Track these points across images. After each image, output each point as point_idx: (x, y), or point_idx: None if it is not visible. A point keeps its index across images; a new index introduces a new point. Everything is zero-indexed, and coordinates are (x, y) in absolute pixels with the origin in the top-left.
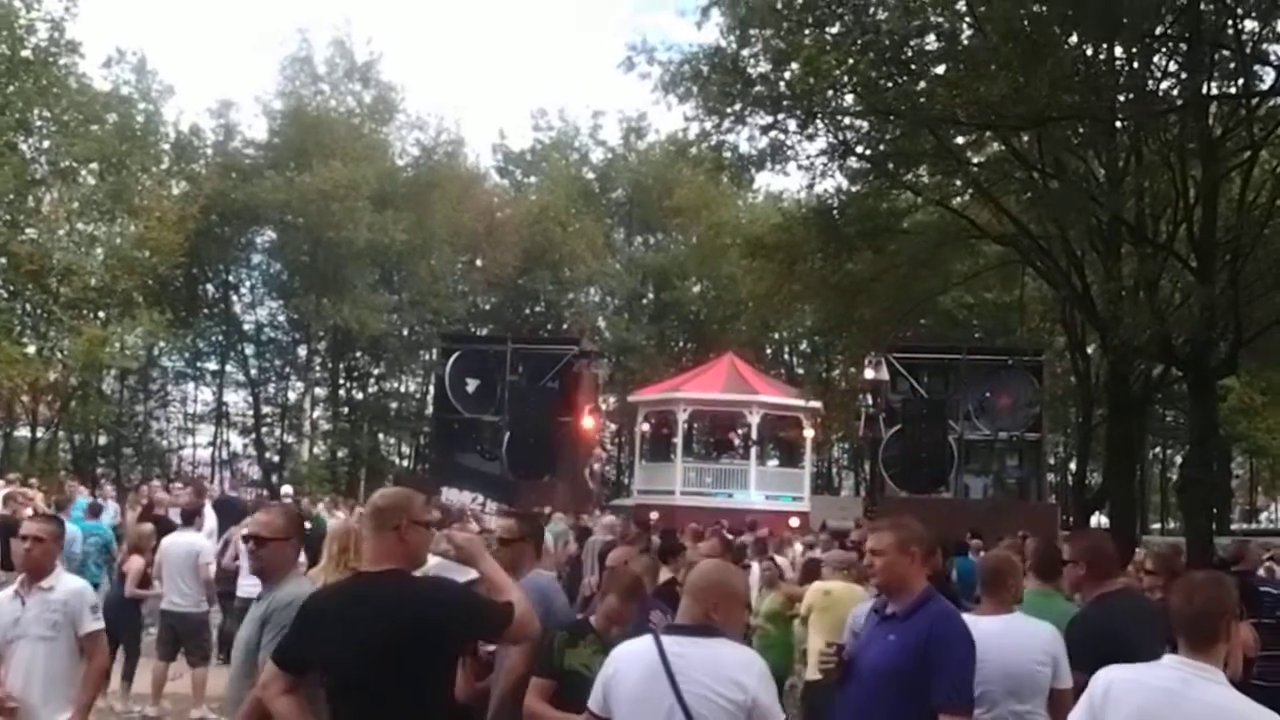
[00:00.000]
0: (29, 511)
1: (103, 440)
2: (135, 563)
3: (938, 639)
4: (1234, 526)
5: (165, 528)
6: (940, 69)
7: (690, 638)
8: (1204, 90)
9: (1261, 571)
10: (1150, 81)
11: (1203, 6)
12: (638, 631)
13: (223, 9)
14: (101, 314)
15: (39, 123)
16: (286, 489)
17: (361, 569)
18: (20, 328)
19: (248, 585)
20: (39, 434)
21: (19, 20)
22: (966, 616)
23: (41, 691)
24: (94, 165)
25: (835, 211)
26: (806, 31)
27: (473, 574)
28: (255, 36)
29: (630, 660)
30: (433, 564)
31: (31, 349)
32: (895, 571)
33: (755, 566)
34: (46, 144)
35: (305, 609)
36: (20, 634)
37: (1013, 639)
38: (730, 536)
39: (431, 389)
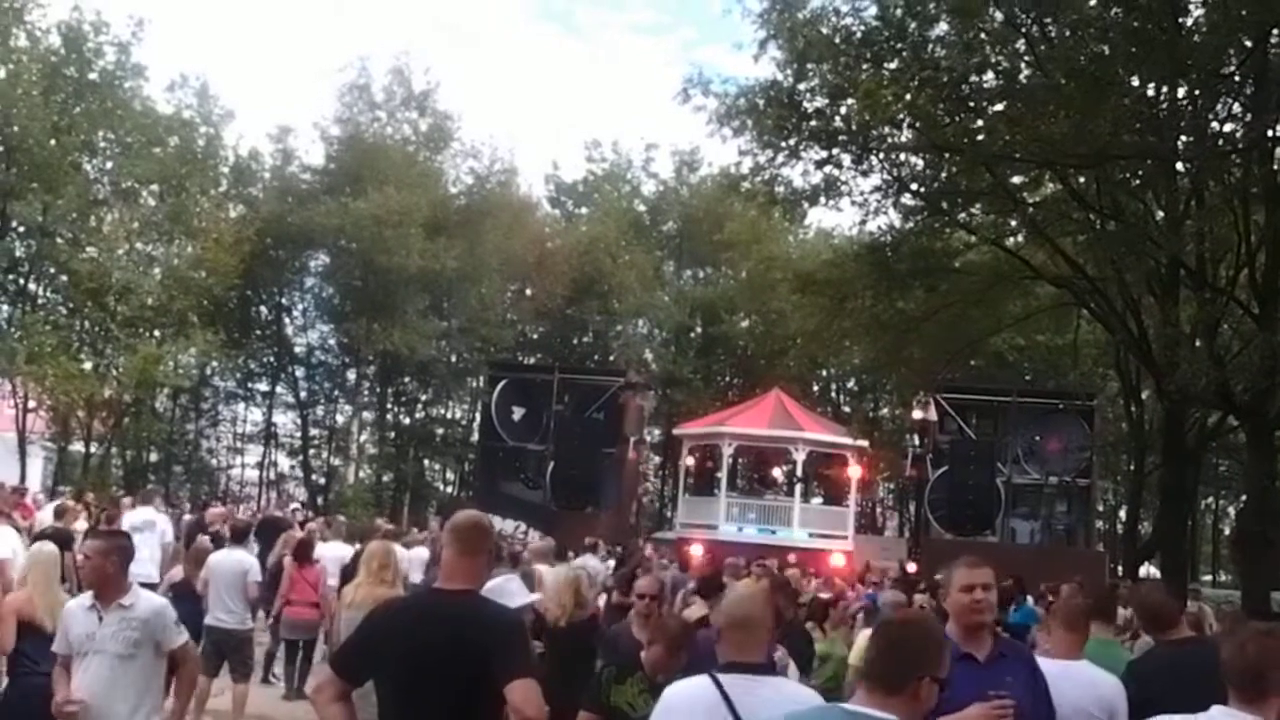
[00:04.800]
0: (79, 524)
1: (154, 457)
2: (175, 572)
3: (1041, 682)
4: None
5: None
6: (999, 106)
7: (748, 676)
8: (1269, 133)
9: None
10: (1214, 123)
11: (1271, 49)
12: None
13: (285, 37)
14: (157, 333)
15: (103, 144)
16: (295, 505)
17: (441, 585)
18: (78, 344)
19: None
20: (93, 449)
21: (88, 43)
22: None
23: (124, 707)
24: (154, 187)
25: (887, 249)
26: (864, 66)
27: (529, 598)
28: (315, 64)
29: (689, 703)
30: (491, 585)
31: (88, 365)
32: (994, 609)
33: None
34: (109, 165)
35: (372, 619)
36: (96, 649)
37: (1073, 683)
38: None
39: (478, 416)
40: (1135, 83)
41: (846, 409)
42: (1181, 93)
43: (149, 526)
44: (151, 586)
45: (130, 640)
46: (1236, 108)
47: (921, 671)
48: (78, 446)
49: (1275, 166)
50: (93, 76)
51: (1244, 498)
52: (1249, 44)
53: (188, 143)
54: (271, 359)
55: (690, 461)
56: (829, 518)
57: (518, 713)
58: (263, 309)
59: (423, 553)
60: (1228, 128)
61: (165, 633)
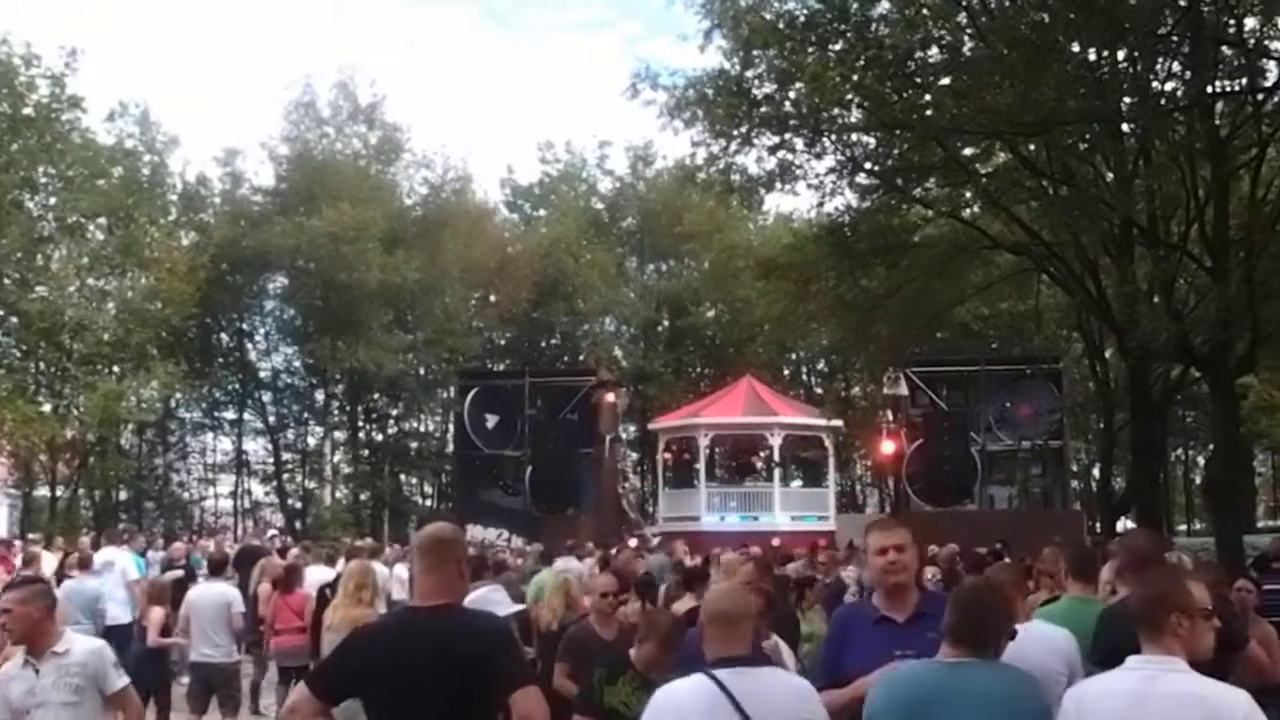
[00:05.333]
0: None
1: (123, 495)
2: (156, 614)
3: None
4: (1260, 524)
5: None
6: (945, 80)
7: (741, 669)
8: (1209, 89)
9: None
10: (1155, 83)
11: (1204, 6)
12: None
13: (224, 58)
14: (116, 368)
15: (44, 179)
16: (273, 531)
17: (415, 604)
18: (35, 386)
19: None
20: (59, 492)
21: (19, 77)
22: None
23: None
24: (101, 220)
25: (846, 229)
26: (810, 50)
27: (515, 608)
28: (258, 84)
29: (691, 701)
30: (474, 596)
31: (47, 407)
32: (914, 569)
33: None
34: (53, 200)
35: (351, 639)
36: (39, 702)
37: (1037, 644)
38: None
39: (451, 427)
40: (1076, 48)
41: (819, 390)
42: (1122, 55)
43: (108, 568)
44: (125, 628)
45: (72, 687)
46: (1176, 67)
47: (1000, 628)
48: (43, 491)
49: (1217, 122)
50: (27, 111)
51: (1211, 447)
52: (1184, 3)
53: (132, 172)
54: (237, 386)
55: (667, 455)
56: (810, 499)
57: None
58: (223, 336)
59: (403, 570)
60: (1169, 87)
61: (105, 677)
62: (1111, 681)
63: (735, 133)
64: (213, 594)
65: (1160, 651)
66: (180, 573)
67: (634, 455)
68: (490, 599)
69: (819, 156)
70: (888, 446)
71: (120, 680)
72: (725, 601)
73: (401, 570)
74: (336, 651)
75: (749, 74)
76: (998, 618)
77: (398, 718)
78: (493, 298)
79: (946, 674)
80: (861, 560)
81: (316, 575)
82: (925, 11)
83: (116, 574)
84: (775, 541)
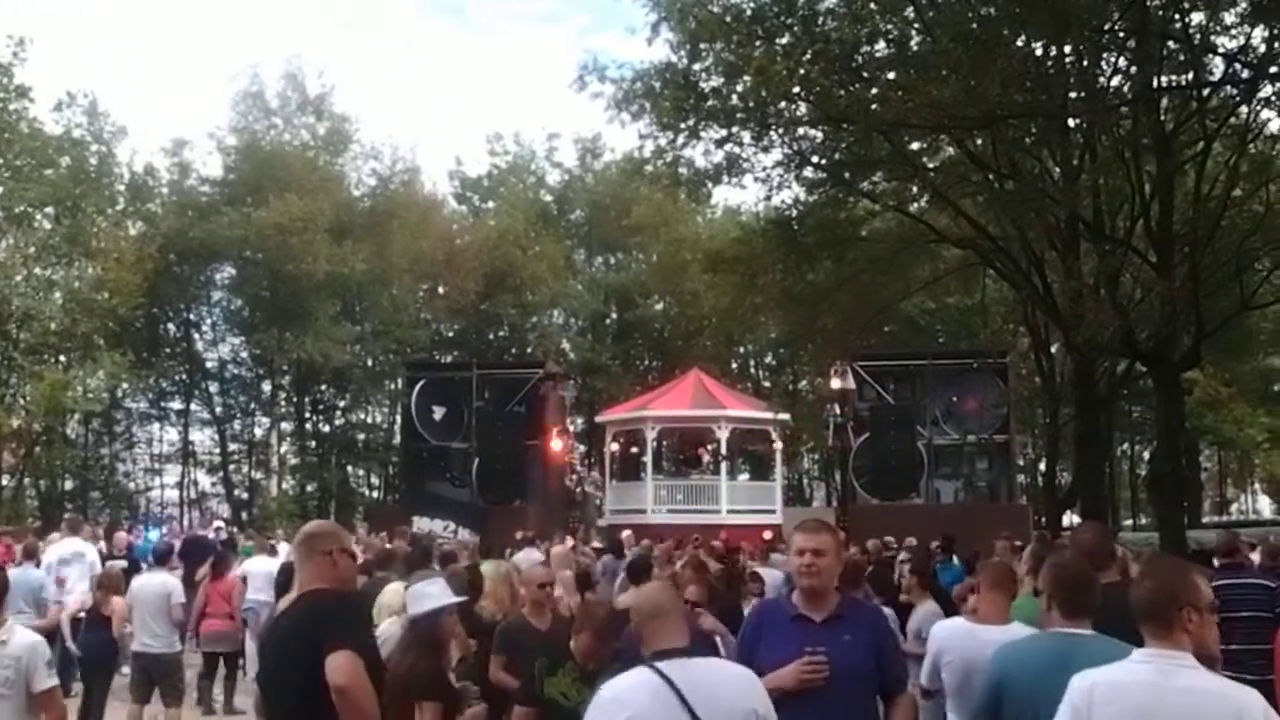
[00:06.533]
0: None
1: (69, 485)
2: (120, 604)
3: (887, 643)
4: (1205, 519)
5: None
6: (891, 74)
7: (680, 660)
8: (1154, 85)
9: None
10: (1101, 78)
11: (1150, 2)
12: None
13: (172, 49)
14: (62, 358)
15: None
16: (218, 522)
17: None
18: None
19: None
20: (4, 482)
21: None
22: (960, 622)
23: None
24: (49, 209)
25: (793, 222)
26: (757, 44)
27: (450, 599)
28: (206, 74)
29: (633, 691)
30: (414, 589)
31: None
32: (832, 575)
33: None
34: (0, 190)
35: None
36: None
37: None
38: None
39: (398, 419)
40: (1021, 43)
41: (766, 384)
42: (1068, 50)
43: (79, 559)
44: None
45: (3, 680)
46: (1121, 62)
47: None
48: None
49: (1162, 117)
50: None
51: (1156, 442)
52: None
53: (80, 162)
54: (183, 376)
55: (615, 448)
56: (756, 493)
57: (330, 683)
58: (170, 326)
59: None
60: (1114, 82)
61: (35, 672)
62: (1123, 673)
63: (683, 126)
64: (155, 584)
65: (1169, 646)
66: (124, 563)
67: (582, 449)
68: (425, 591)
69: (766, 150)
70: (834, 440)
71: (49, 680)
72: (654, 598)
73: None
74: None
75: (696, 67)
76: (1097, 591)
77: (265, 701)
78: (441, 289)
79: (1069, 644)
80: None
81: (264, 566)
82: (872, 6)
83: (85, 565)
84: (722, 535)
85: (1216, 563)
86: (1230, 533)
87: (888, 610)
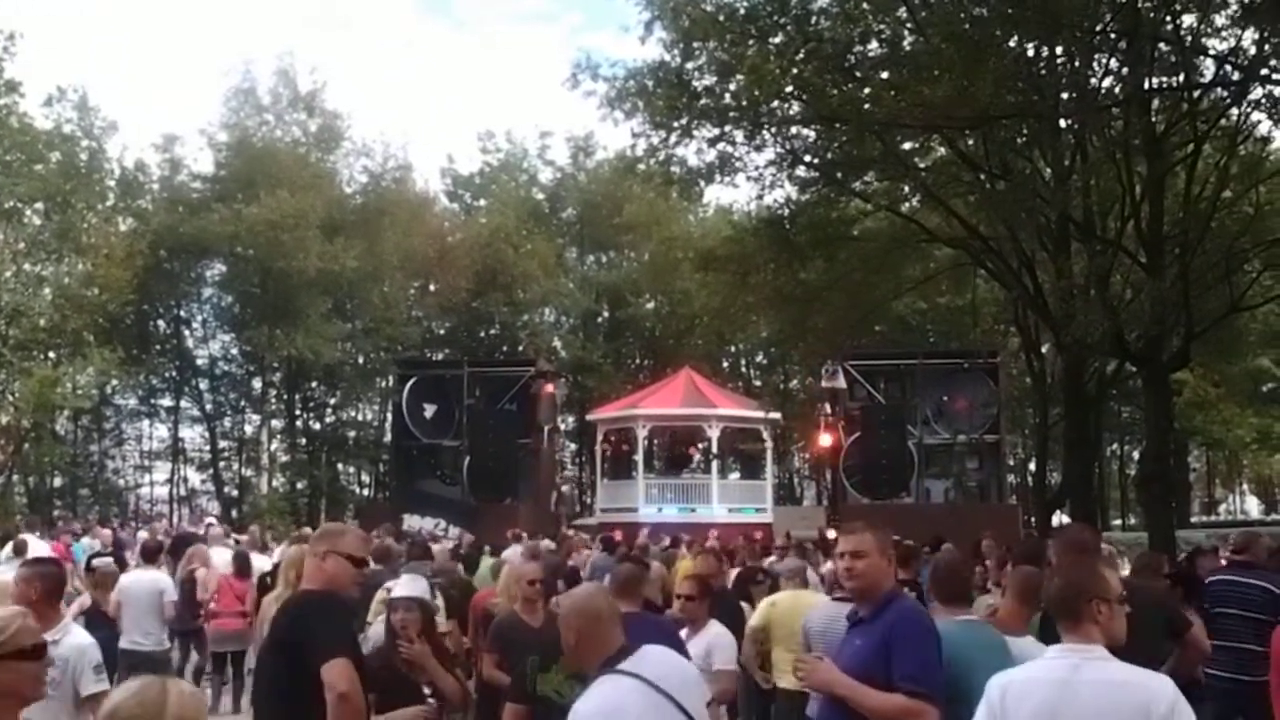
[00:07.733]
0: None
1: (58, 482)
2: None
3: (899, 633)
4: (1194, 519)
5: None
6: (884, 74)
7: (638, 656)
8: (1145, 86)
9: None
10: (1092, 79)
11: (1141, 3)
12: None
13: (164, 45)
14: (52, 354)
15: None
16: (210, 519)
17: None
18: None
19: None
20: None
21: None
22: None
23: None
24: (39, 205)
25: (785, 221)
26: (750, 43)
27: (417, 592)
28: (198, 70)
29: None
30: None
31: None
32: (876, 575)
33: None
34: None
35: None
36: None
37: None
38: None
39: (389, 416)
40: (1013, 43)
41: (757, 383)
42: (1059, 51)
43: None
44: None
45: (50, 680)
46: (1113, 63)
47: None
48: None
49: (1153, 119)
50: None
51: (1145, 442)
52: (1120, 0)
53: (70, 158)
54: (174, 373)
55: (605, 446)
56: (747, 491)
57: (330, 690)
58: (161, 323)
59: None
60: (1106, 83)
61: (83, 675)
62: (1036, 670)
63: (675, 124)
64: (145, 582)
65: (1081, 639)
66: (110, 559)
67: (573, 447)
68: (401, 581)
69: (759, 149)
70: (825, 439)
71: (97, 685)
72: (586, 605)
73: None
74: None
75: (689, 66)
76: (969, 580)
77: (255, 695)
78: (432, 287)
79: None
80: (805, 551)
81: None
82: (865, 5)
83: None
84: (713, 534)
85: (1224, 560)
86: (1250, 531)
87: None
